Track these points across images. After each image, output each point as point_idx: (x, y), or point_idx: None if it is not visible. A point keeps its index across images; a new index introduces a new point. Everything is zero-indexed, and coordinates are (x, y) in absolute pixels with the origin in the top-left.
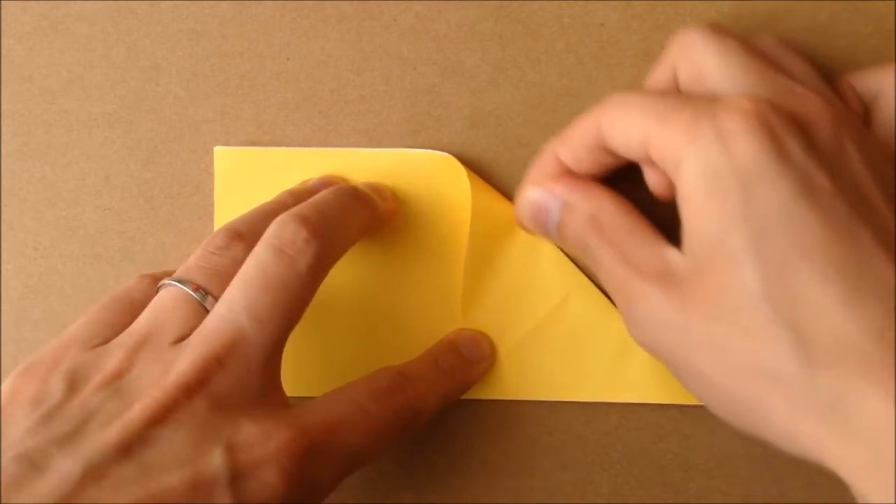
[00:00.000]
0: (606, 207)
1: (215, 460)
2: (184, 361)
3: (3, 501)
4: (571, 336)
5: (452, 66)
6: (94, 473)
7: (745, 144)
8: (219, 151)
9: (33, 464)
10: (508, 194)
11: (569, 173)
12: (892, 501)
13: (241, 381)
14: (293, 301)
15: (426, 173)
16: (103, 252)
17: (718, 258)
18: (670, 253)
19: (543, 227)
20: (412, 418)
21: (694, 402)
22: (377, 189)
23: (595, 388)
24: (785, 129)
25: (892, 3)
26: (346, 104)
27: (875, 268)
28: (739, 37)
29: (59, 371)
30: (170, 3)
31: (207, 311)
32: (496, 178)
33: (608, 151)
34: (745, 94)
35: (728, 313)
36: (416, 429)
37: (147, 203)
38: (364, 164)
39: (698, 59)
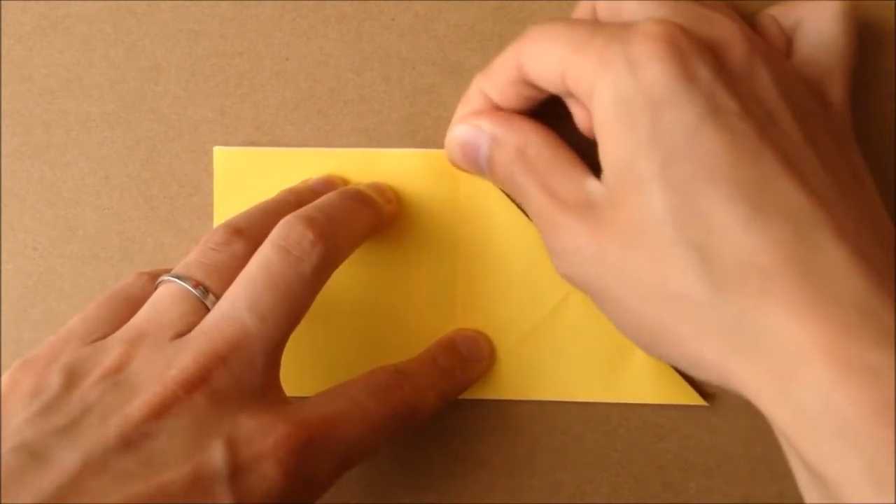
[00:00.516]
0: (532, 140)
1: (215, 455)
2: (185, 357)
3: (2, 493)
4: (571, 336)
5: (452, 66)
6: (94, 465)
7: (653, 68)
8: (218, 151)
9: (32, 455)
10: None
11: (495, 108)
12: (794, 420)
13: (242, 378)
14: (296, 301)
15: (426, 173)
16: (103, 252)
17: (629, 184)
18: (591, 183)
19: (474, 162)
20: (410, 415)
21: (694, 402)
22: (380, 190)
23: (595, 388)
24: (694, 51)
25: (892, 3)
26: (345, 104)
27: (780, 188)
28: None
29: (57, 364)
30: (169, 3)
31: (207, 308)
32: None
33: (531, 84)
34: (656, 19)
35: (638, 238)
36: (414, 426)
37: (146, 203)
38: (364, 164)
39: None
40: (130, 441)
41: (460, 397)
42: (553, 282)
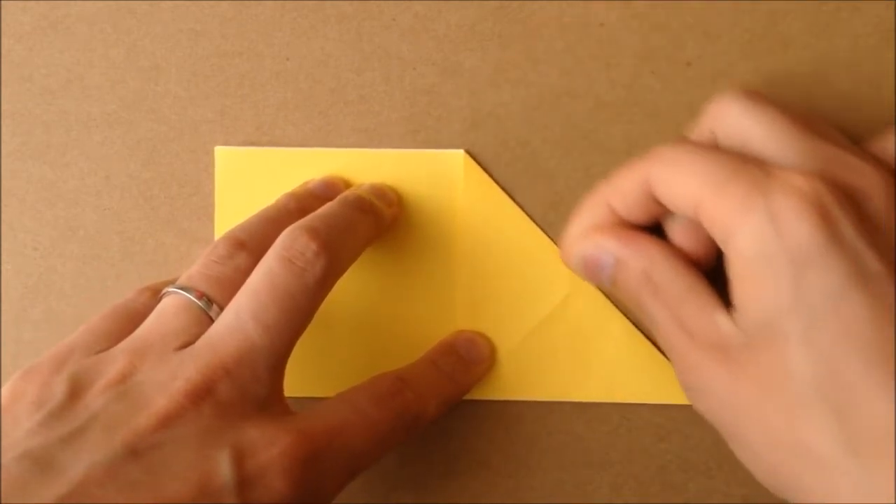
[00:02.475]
0: (659, 265)
1: (222, 465)
2: (190, 368)
3: (6, 501)
4: (571, 336)
5: (452, 66)
6: (99, 474)
7: (797, 226)
8: (219, 151)
9: (37, 463)
10: (509, 194)
11: (620, 225)
12: None
13: (247, 389)
14: (300, 312)
15: (426, 174)
16: (103, 252)
17: (769, 339)
18: (723, 322)
19: (596, 279)
20: (413, 421)
21: None
22: (381, 194)
23: (595, 389)
24: (838, 208)
25: (892, 3)
26: (346, 104)
27: None
28: (774, 102)
29: (61, 374)
30: (170, 3)
31: (211, 319)
32: (496, 178)
33: (658, 203)
34: (799, 171)
35: (777, 392)
36: (418, 432)
37: (147, 203)
38: (364, 165)
39: (741, 127)
40: (136, 451)
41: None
42: (553, 282)
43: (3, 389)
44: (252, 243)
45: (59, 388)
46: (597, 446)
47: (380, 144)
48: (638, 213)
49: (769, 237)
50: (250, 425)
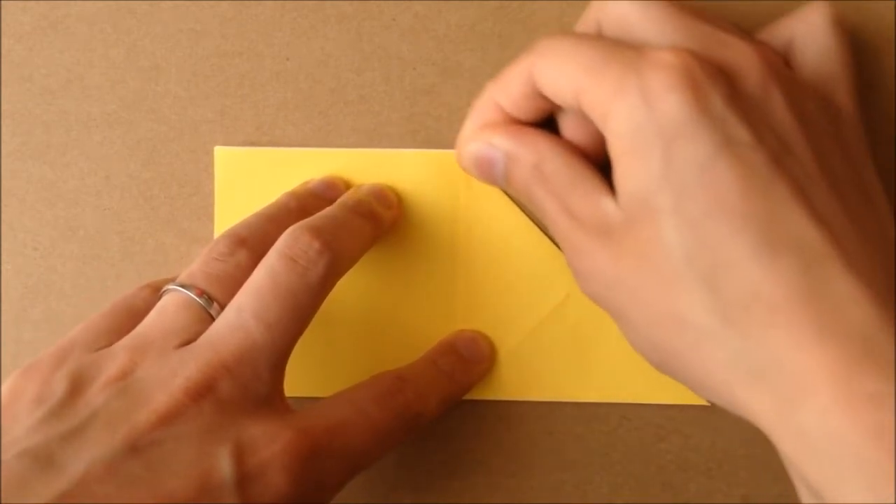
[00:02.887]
0: (548, 155)
1: (222, 462)
2: (191, 366)
3: (6, 498)
4: (571, 336)
5: (452, 66)
6: (99, 471)
7: (667, 100)
8: (219, 151)
9: (37, 460)
10: (509, 194)
11: (509, 121)
12: (798, 445)
13: (248, 387)
14: (302, 310)
15: (426, 174)
16: (103, 252)
17: (644, 213)
18: (607, 204)
19: (490, 177)
20: (413, 420)
21: (694, 401)
22: (381, 197)
23: (595, 389)
24: (709, 81)
25: (892, 3)
26: (345, 104)
27: (790, 220)
28: None
29: (61, 371)
30: (170, 3)
31: (211, 317)
32: None
33: (544, 98)
34: (670, 47)
35: (652, 266)
36: (418, 431)
37: (147, 203)
38: (364, 165)
39: (621, 14)
40: (137, 448)
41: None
42: (553, 282)
43: (3, 387)
44: (253, 241)
45: (60, 386)
46: (597, 446)
47: (380, 144)
48: (527, 110)
49: (641, 113)
50: (251, 423)
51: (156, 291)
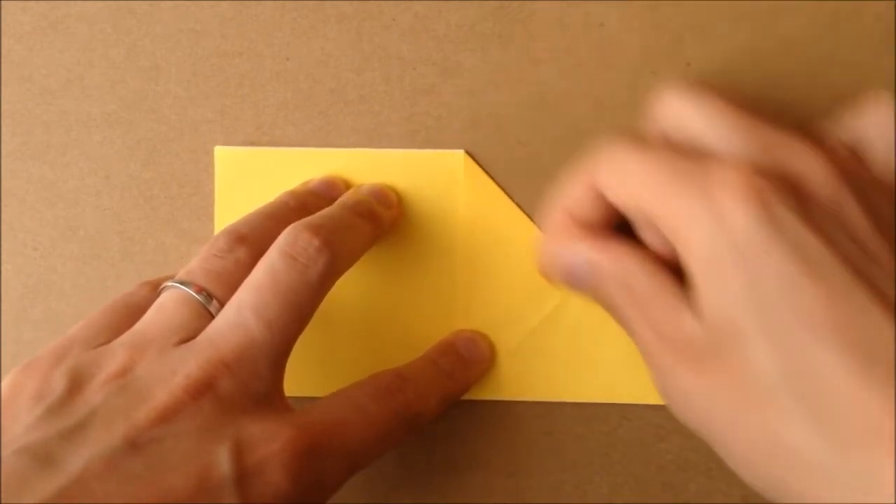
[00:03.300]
0: (630, 267)
1: (221, 459)
2: (191, 364)
3: (5, 495)
4: (572, 337)
5: (452, 66)
6: (98, 468)
7: (739, 221)
8: (219, 151)
9: (36, 457)
10: (509, 194)
11: (588, 228)
12: None
13: (247, 384)
14: (302, 308)
15: (426, 174)
16: (103, 252)
17: (731, 337)
18: (690, 322)
19: (573, 285)
20: (413, 419)
21: None
22: (382, 196)
23: (595, 389)
24: (777, 196)
25: (892, 3)
26: (345, 104)
27: (880, 332)
28: (717, 90)
29: (61, 368)
30: (170, 3)
31: (211, 314)
32: (496, 178)
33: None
34: (734, 164)
35: (747, 392)
36: (417, 429)
37: (147, 203)
38: (364, 164)
39: (684, 120)
40: (136, 445)
41: (460, 399)
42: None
43: (2, 384)
44: (252, 238)
45: (59, 383)
46: (597, 446)
47: (380, 144)
48: (599, 217)
49: (714, 235)
50: (250, 420)
51: (155, 289)
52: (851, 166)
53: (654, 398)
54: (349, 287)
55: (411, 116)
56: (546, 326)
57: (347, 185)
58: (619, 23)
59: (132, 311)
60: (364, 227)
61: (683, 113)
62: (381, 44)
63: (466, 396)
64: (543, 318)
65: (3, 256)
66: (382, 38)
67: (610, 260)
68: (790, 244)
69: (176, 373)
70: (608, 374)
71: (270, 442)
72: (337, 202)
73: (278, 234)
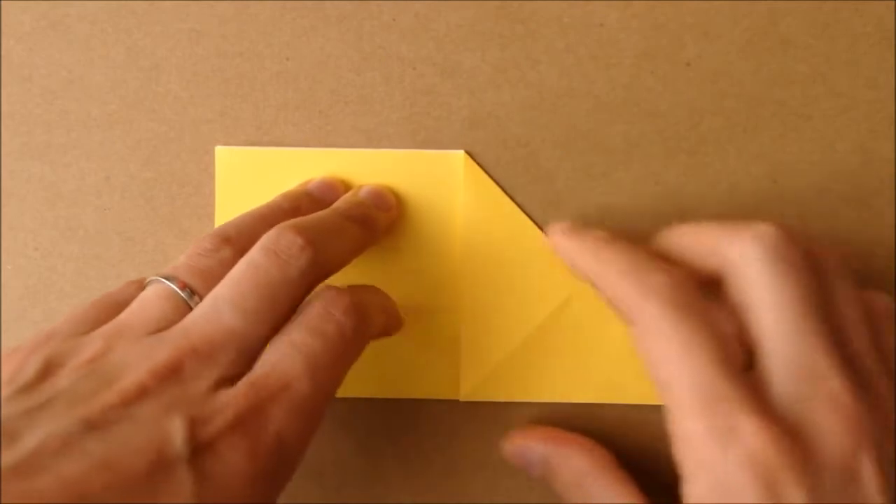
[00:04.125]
0: (583, 469)
1: (176, 437)
2: (161, 350)
3: None
4: (572, 338)
5: (452, 66)
6: (54, 444)
7: (745, 494)
8: (220, 151)
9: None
10: (509, 194)
11: (547, 429)
12: None
13: (216, 369)
14: (280, 302)
15: (426, 174)
16: (103, 252)
17: None
18: None
19: (529, 471)
20: (361, 327)
21: None
22: (378, 199)
23: (595, 390)
24: (784, 473)
25: (892, 3)
26: (346, 104)
27: None
28: (802, 264)
29: (37, 355)
30: (170, 3)
31: (191, 308)
32: (496, 178)
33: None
34: (756, 425)
35: None
36: (371, 325)
37: (147, 203)
38: (364, 165)
39: (750, 286)
40: (94, 424)
41: (461, 400)
42: (553, 283)
43: None
44: (239, 239)
45: (33, 367)
46: None
47: (380, 144)
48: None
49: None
50: (212, 399)
51: (141, 287)
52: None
53: (654, 398)
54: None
55: (411, 116)
56: (546, 327)
57: (347, 187)
58: (619, 23)
59: (117, 306)
60: (354, 231)
61: (753, 280)
62: (381, 44)
63: (468, 398)
64: (543, 319)
65: (3, 256)
66: (382, 38)
67: (562, 453)
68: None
69: (145, 358)
70: (608, 374)
71: (225, 411)
72: (331, 207)
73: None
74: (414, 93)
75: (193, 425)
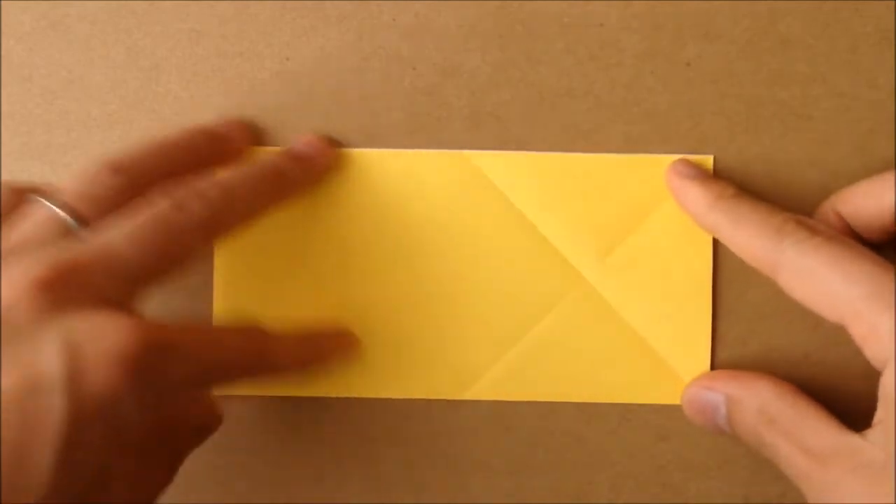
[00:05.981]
0: (770, 398)
1: (50, 360)
2: (42, 265)
3: None
4: (572, 337)
5: (452, 66)
6: None
7: None
8: None
9: None
10: (510, 194)
11: (726, 370)
12: None
13: (95, 289)
14: (175, 243)
15: (426, 174)
16: None
17: None
18: (854, 440)
19: (712, 422)
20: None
21: None
22: (292, 153)
23: (595, 389)
24: None
25: (892, 3)
26: (346, 104)
27: None
28: None
29: None
30: (169, 3)
31: (78, 232)
32: (498, 179)
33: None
34: None
35: None
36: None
37: None
38: (364, 164)
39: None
40: None
41: (460, 399)
42: (553, 283)
43: None
44: (133, 170)
45: None
46: (597, 446)
47: (380, 144)
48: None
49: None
50: (90, 320)
51: (18, 192)
52: None
53: (654, 398)
54: (350, 288)
55: (411, 116)
56: (546, 327)
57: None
58: (619, 23)
59: None
60: (262, 186)
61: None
62: (381, 44)
63: (468, 397)
64: (543, 319)
65: None
66: (382, 38)
67: (748, 391)
68: None
69: (26, 273)
70: (608, 374)
71: (106, 339)
72: (241, 170)
73: (159, 171)
74: (414, 93)
75: (70, 348)
